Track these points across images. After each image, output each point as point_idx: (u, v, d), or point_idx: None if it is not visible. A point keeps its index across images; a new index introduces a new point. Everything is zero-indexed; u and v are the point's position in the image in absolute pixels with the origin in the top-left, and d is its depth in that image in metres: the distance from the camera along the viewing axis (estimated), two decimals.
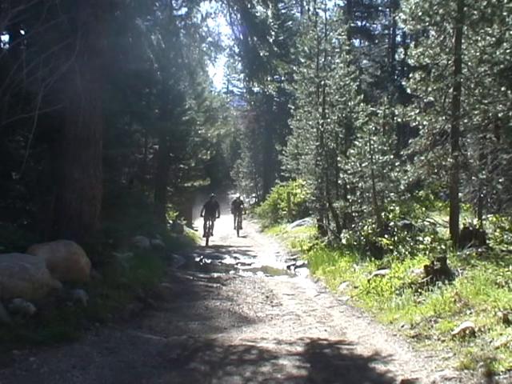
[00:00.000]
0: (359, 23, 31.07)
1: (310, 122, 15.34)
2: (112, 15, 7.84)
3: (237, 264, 11.98)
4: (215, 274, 10.02)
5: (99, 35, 7.12)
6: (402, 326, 5.36)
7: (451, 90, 8.52)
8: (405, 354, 4.50)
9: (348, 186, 13.02)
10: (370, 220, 10.52)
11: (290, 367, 4.20)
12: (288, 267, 11.73)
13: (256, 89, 12.28)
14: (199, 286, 8.74)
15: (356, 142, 11.22)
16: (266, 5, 9.85)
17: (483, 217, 9.55)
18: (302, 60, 16.10)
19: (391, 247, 8.84)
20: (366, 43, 32.40)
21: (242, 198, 25.20)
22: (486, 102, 8.34)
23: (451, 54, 8.47)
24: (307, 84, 15.96)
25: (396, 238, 9.11)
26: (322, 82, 14.78)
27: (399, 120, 9.35)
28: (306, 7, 30.94)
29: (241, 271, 10.96)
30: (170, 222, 19.14)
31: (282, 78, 18.61)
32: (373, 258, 8.97)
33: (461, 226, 8.51)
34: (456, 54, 8.33)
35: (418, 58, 8.71)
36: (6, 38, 8.89)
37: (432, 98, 8.81)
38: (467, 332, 4.39)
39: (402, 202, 10.51)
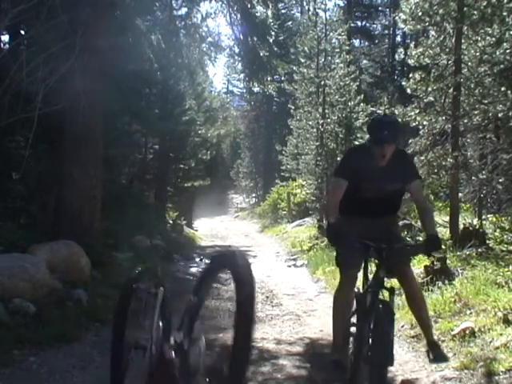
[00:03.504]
0: (359, 23, 31.11)
1: (310, 122, 15.36)
2: (112, 15, 7.84)
3: None
4: None
5: (99, 35, 7.12)
6: (402, 326, 5.35)
7: (451, 90, 8.52)
8: (405, 354, 4.50)
9: None
10: None
11: (290, 367, 4.20)
12: (288, 267, 11.73)
13: (256, 89, 12.30)
14: None
15: (356, 142, 11.23)
16: (265, 5, 9.87)
17: (483, 217, 9.55)
18: (302, 60, 16.12)
19: None
20: (366, 43, 32.42)
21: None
22: (486, 101, 8.35)
23: (451, 54, 8.47)
24: (307, 84, 15.97)
25: None
26: (322, 82, 14.79)
27: (399, 120, 9.36)
28: (306, 7, 30.95)
29: None
30: (170, 221, 19.13)
31: (282, 78, 18.59)
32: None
33: (461, 226, 8.50)
34: (456, 54, 8.34)
35: (418, 58, 8.72)
36: (6, 38, 8.90)
37: (432, 98, 8.81)
38: (467, 332, 4.38)
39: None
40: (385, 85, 27.30)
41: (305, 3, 33.55)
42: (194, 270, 10.75)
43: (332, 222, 3.16)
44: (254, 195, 37.43)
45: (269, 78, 10.80)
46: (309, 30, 16.47)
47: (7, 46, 8.43)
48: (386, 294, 3.06)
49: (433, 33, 8.97)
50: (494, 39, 8.08)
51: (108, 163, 9.06)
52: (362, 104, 14.03)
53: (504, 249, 7.44)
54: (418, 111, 8.89)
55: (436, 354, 3.31)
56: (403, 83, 9.16)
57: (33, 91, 6.23)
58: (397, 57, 12.13)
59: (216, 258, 1.95)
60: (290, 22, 33.86)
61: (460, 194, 9.68)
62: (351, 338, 3.21)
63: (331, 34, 15.55)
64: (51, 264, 5.70)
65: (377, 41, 31.89)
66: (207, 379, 1.57)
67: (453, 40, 8.47)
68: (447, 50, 8.59)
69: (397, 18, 9.20)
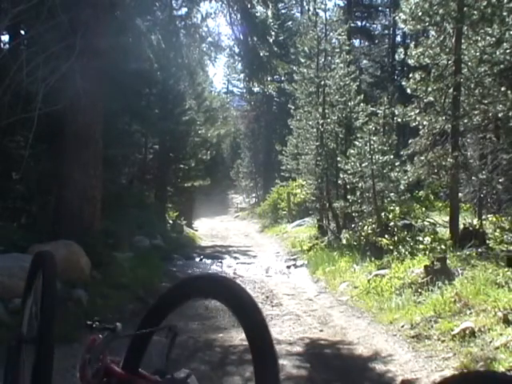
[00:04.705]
0: (359, 23, 31.05)
1: (310, 122, 15.33)
2: (112, 15, 7.85)
3: (237, 264, 11.98)
4: None
5: (99, 35, 7.12)
6: (402, 326, 5.36)
7: (451, 90, 8.52)
8: (405, 354, 4.50)
9: (348, 186, 13.02)
10: (370, 220, 10.52)
11: (290, 367, 4.19)
12: (288, 267, 11.73)
13: (256, 89, 12.34)
14: None
15: (356, 142, 11.23)
16: (265, 5, 9.89)
17: (483, 217, 9.55)
18: (302, 60, 16.08)
19: (391, 247, 8.84)
20: (366, 43, 32.38)
21: None
22: (486, 102, 8.35)
23: (451, 54, 8.48)
24: (307, 84, 15.93)
25: (396, 238, 9.11)
26: (322, 82, 14.77)
27: (399, 120, 9.37)
28: (306, 7, 30.94)
29: (241, 271, 10.96)
30: (170, 221, 19.13)
31: (282, 78, 18.59)
32: (373, 258, 8.97)
33: (461, 226, 8.51)
34: (456, 54, 8.34)
35: (418, 58, 8.72)
36: (6, 37, 8.91)
37: (432, 98, 8.82)
38: (467, 332, 4.39)
39: (401, 201, 10.51)
40: (385, 85, 27.27)
41: (305, 3, 33.54)
42: (194, 269, 10.77)
43: None
44: (254, 195, 37.40)
45: (269, 78, 10.84)
46: (309, 30, 16.42)
47: (7, 46, 8.44)
48: None
49: (433, 33, 8.98)
50: (493, 39, 8.09)
51: (108, 163, 9.06)
52: (362, 104, 14.00)
53: (504, 249, 7.44)
54: (417, 111, 8.90)
55: None
56: (403, 83, 9.17)
57: (33, 91, 6.24)
58: (397, 57, 12.14)
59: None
60: (290, 22, 33.84)
61: (460, 194, 9.68)
62: None
63: (331, 33, 15.51)
64: None
65: (377, 41, 31.86)
66: None
67: (453, 40, 8.47)
68: (447, 50, 8.59)
69: (397, 18, 9.21)
